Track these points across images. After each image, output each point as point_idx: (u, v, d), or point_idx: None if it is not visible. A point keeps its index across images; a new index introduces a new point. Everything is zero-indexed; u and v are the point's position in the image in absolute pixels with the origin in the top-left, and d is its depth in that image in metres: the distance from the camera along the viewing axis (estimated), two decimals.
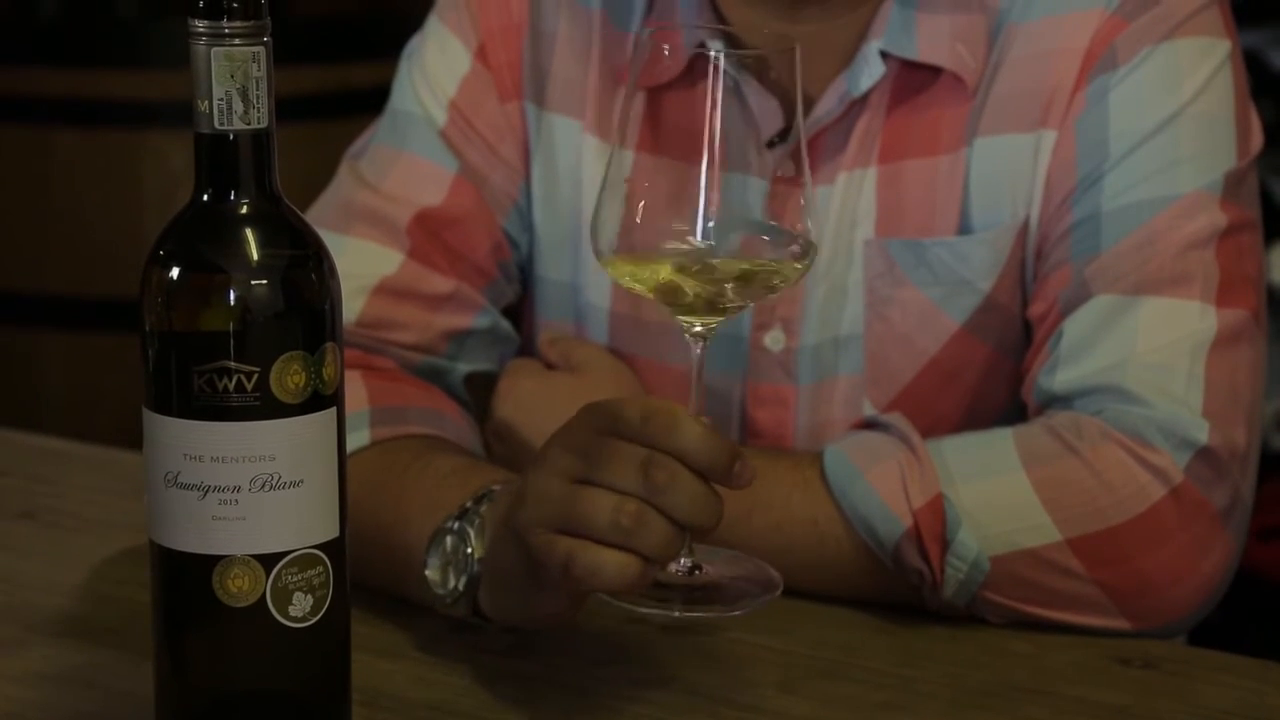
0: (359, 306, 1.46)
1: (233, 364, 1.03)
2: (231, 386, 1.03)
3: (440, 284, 1.49)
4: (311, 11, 3.19)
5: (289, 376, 1.04)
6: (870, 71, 1.44)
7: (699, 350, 1.19)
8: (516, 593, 1.22)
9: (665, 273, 1.16)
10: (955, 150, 1.44)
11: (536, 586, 1.19)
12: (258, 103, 1.04)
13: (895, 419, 1.36)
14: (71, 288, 2.96)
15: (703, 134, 1.46)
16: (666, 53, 1.28)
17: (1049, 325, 1.41)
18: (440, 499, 1.29)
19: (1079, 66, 1.42)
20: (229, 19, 1.03)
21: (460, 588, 1.26)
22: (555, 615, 1.22)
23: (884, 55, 1.44)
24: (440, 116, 1.51)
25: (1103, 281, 1.38)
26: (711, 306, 1.16)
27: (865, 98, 1.45)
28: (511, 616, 1.25)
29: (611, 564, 1.11)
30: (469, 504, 1.27)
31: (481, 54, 1.52)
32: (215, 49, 1.03)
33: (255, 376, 1.03)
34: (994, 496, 1.32)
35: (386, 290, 1.47)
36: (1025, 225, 1.44)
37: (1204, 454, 1.33)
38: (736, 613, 1.19)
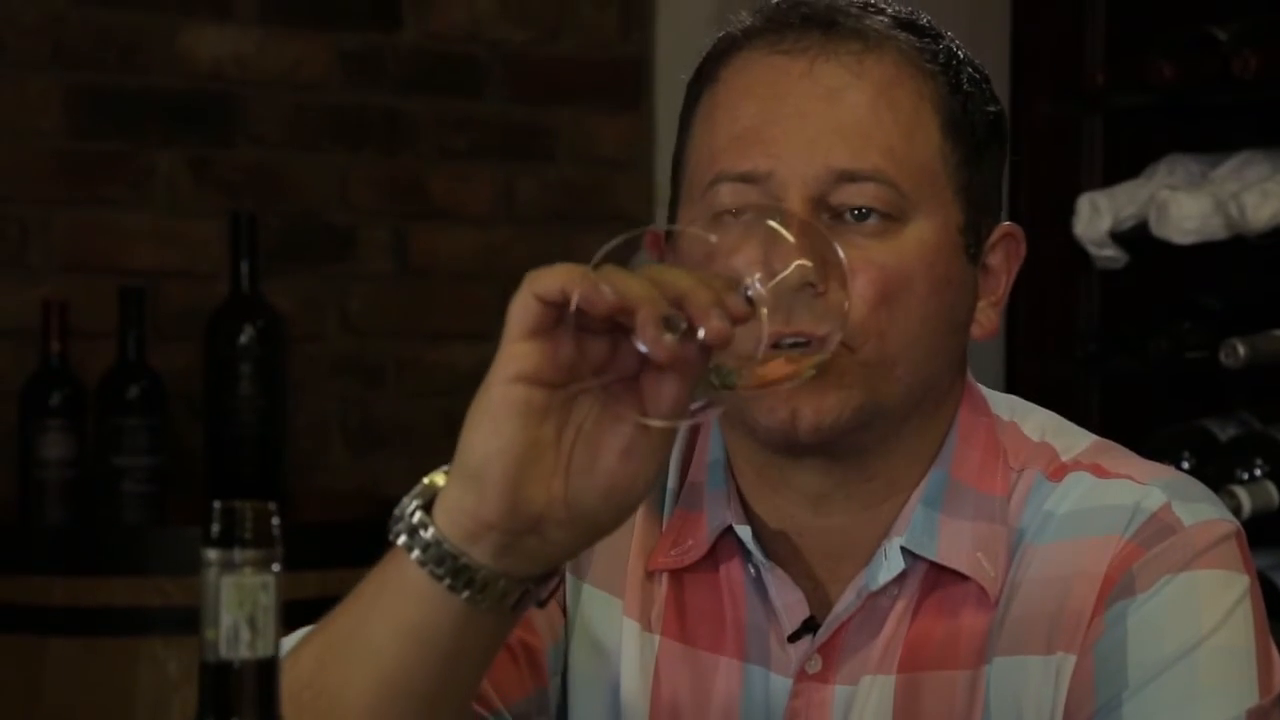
0: None
1: None
2: None
3: None
4: (312, 518, 3.20)
5: None
6: (889, 567, 1.43)
7: None
8: (512, 454, 1.16)
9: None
10: (975, 667, 1.42)
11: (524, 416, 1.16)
12: (265, 630, 1.03)
13: None
14: None
15: (725, 626, 1.45)
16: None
17: None
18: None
19: (1097, 592, 1.41)
20: (241, 548, 1.02)
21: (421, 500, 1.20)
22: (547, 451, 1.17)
23: (906, 554, 1.43)
24: None
25: None
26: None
27: (893, 602, 1.43)
28: (511, 489, 1.17)
29: (561, 266, 1.13)
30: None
31: None
32: (225, 578, 1.02)
33: None
34: None
35: None
36: None
37: None
38: None
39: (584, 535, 1.20)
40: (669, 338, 1.13)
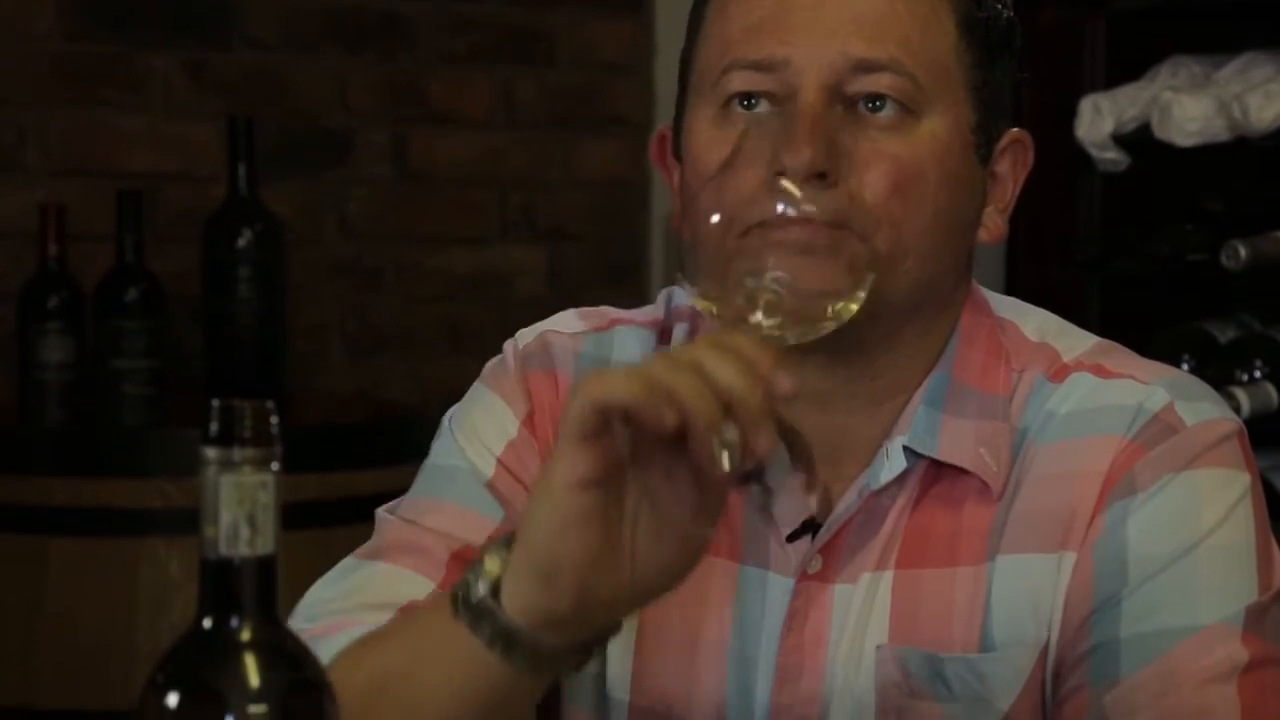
0: (385, 619, 1.40)
1: None
2: None
3: None
4: (312, 419, 3.20)
5: None
6: (891, 466, 1.43)
7: None
8: (575, 533, 1.18)
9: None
10: (977, 564, 1.43)
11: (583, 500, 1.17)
12: (264, 528, 1.03)
13: None
14: (58, 701, 2.91)
15: (719, 528, 1.45)
16: None
17: None
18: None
19: (1099, 490, 1.41)
20: (240, 446, 1.02)
21: (488, 572, 1.22)
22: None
23: (908, 453, 1.43)
24: (487, 470, 1.49)
25: (1121, 712, 1.36)
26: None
27: (894, 501, 1.44)
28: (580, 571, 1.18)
29: (619, 374, 1.13)
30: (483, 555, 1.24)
31: (529, 422, 1.51)
32: (224, 476, 1.02)
33: None
34: None
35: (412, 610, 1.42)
36: (1046, 646, 1.42)
37: None
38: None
39: (646, 603, 1.24)
40: (725, 460, 1.15)
